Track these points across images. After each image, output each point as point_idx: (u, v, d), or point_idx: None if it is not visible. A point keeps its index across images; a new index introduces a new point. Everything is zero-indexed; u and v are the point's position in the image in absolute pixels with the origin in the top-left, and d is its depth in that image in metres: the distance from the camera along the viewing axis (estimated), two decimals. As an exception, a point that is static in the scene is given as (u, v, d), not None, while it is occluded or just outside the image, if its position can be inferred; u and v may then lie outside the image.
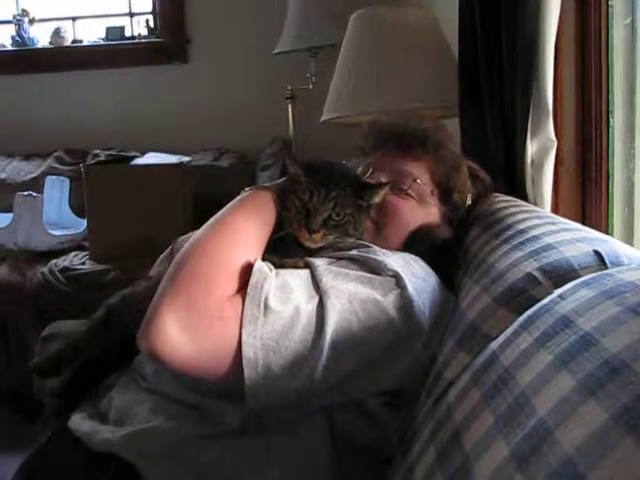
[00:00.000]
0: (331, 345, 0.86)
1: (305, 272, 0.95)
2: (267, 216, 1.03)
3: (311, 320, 0.87)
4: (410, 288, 0.93)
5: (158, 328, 0.83)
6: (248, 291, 0.87)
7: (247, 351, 0.83)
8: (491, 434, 0.59)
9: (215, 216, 1.00)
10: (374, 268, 0.96)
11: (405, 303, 0.92)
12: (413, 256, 1.04)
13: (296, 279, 0.93)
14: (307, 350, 0.85)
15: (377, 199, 1.08)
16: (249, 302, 0.86)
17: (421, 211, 1.15)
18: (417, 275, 0.97)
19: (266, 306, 0.86)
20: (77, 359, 1.14)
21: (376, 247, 1.03)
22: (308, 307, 0.88)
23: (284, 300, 0.88)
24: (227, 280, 0.89)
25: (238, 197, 1.05)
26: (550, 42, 1.25)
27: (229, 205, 1.03)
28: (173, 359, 0.83)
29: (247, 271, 0.90)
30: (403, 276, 0.94)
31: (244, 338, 0.84)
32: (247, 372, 0.83)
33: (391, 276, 0.94)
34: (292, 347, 0.85)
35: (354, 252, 1.01)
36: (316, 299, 0.89)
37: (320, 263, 0.97)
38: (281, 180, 1.13)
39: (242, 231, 0.97)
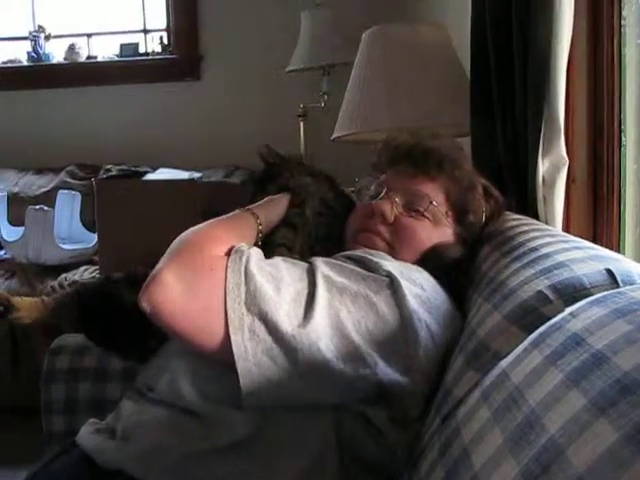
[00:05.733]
0: (318, 324, 0.87)
1: (302, 262, 0.98)
2: (247, 234, 1.06)
3: (297, 299, 0.89)
4: (404, 290, 0.93)
5: (156, 282, 0.87)
6: (228, 263, 0.90)
7: (232, 317, 0.86)
8: (501, 453, 0.58)
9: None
10: (369, 267, 0.97)
11: (397, 303, 0.91)
12: (418, 267, 1.04)
13: (290, 263, 0.96)
14: (290, 322, 0.86)
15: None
16: (230, 271, 0.89)
17: (436, 232, 1.14)
18: (414, 282, 0.97)
19: (247, 274, 0.88)
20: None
21: (378, 252, 1.06)
22: (297, 286, 0.90)
23: (270, 275, 0.90)
24: (216, 246, 0.95)
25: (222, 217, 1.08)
26: (562, 60, 1.25)
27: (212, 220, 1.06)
28: (168, 307, 0.86)
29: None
30: (398, 278, 0.94)
31: (228, 304, 0.86)
32: (234, 338, 0.85)
33: (385, 276, 0.95)
34: (277, 316, 0.86)
35: (354, 252, 1.04)
36: (306, 282, 0.91)
37: (317, 257, 0.99)
38: (263, 201, 1.16)
39: (226, 231, 1.01)
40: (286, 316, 0.86)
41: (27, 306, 1.22)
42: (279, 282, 0.90)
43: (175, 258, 0.91)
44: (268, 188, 1.20)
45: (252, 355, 0.84)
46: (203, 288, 0.88)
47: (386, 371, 0.89)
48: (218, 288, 0.87)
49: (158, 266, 0.90)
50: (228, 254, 0.92)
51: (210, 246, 0.94)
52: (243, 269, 0.89)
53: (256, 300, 0.86)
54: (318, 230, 1.16)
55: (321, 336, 0.86)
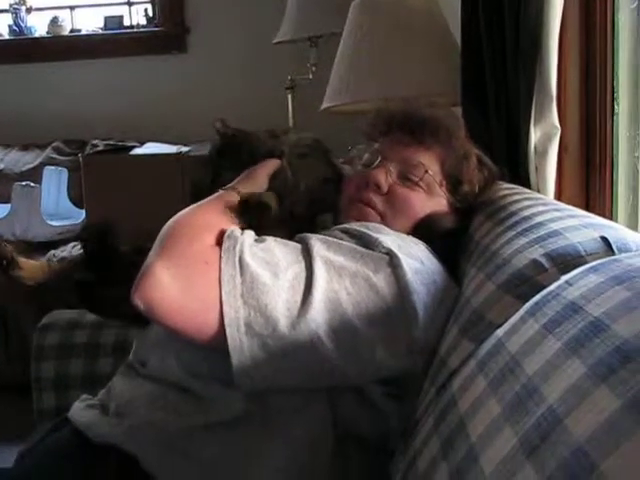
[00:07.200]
0: (317, 311, 0.85)
1: (294, 243, 0.95)
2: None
3: (295, 284, 0.86)
4: (405, 267, 0.91)
5: (149, 278, 0.85)
6: (222, 254, 0.87)
7: (228, 310, 0.83)
8: (498, 423, 0.58)
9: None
10: (368, 243, 0.95)
11: (397, 281, 0.90)
12: (414, 239, 1.03)
13: (282, 244, 0.93)
14: (289, 311, 0.84)
15: None
16: (224, 263, 0.86)
17: (430, 202, 1.12)
18: (414, 256, 0.95)
19: (242, 265, 0.86)
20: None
21: (375, 224, 1.04)
22: (295, 269, 0.88)
23: (265, 262, 0.87)
24: (208, 234, 0.91)
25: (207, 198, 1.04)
26: (554, 26, 1.23)
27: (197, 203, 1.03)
28: (163, 305, 0.84)
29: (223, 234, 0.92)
30: (398, 254, 0.92)
31: (224, 297, 0.84)
32: (229, 331, 0.83)
33: (384, 253, 0.93)
34: (275, 307, 0.84)
35: (352, 225, 1.01)
36: (302, 264, 0.89)
37: (312, 235, 0.96)
38: (244, 175, 1.11)
39: (214, 214, 0.98)
40: (284, 306, 0.84)
41: (31, 268, 1.19)
42: (275, 268, 0.87)
43: (166, 251, 0.88)
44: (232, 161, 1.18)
45: (248, 349, 0.83)
46: (197, 283, 0.85)
47: (386, 356, 0.88)
48: (213, 282, 0.85)
49: (149, 260, 0.87)
50: (220, 241, 0.90)
51: (201, 234, 0.91)
52: (237, 259, 0.86)
53: (253, 292, 0.84)
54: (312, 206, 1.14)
55: (320, 324, 0.85)
